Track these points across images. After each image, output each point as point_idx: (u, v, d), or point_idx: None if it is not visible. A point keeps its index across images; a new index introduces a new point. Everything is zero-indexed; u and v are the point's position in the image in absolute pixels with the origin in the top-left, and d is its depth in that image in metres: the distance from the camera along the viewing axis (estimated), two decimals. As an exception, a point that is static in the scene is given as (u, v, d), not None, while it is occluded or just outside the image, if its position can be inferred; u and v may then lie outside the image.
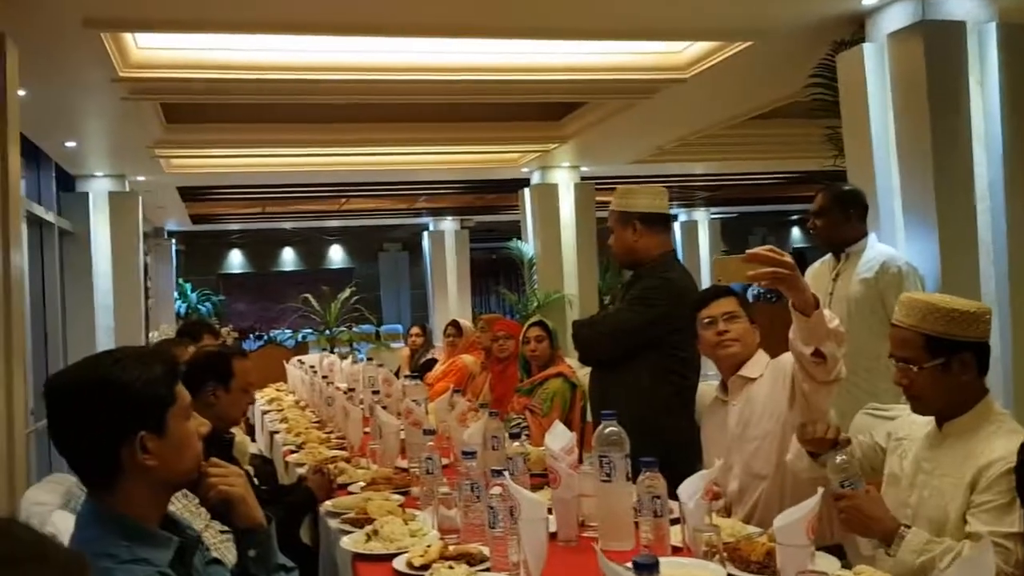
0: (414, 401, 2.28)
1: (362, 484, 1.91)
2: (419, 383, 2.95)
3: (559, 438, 1.49)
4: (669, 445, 1.68)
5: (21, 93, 2.75)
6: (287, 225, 10.05)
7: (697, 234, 9.85)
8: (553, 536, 1.37)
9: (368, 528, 1.49)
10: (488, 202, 8.08)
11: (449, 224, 9.18)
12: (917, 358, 1.31)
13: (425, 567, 1.28)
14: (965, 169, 2.62)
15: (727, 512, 1.64)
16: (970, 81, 2.62)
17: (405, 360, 4.85)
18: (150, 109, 4.03)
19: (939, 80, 2.61)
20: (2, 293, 2.43)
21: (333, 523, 1.64)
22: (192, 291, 9.44)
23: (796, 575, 1.04)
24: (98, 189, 5.36)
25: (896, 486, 1.39)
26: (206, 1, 2.74)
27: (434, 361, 4.30)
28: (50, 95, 3.56)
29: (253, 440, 3.48)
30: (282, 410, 3.50)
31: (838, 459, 1.30)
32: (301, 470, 2.18)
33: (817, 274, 2.41)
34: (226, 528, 1.26)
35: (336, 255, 11.57)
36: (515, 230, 6.66)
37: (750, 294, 5.19)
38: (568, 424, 2.55)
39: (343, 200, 7.75)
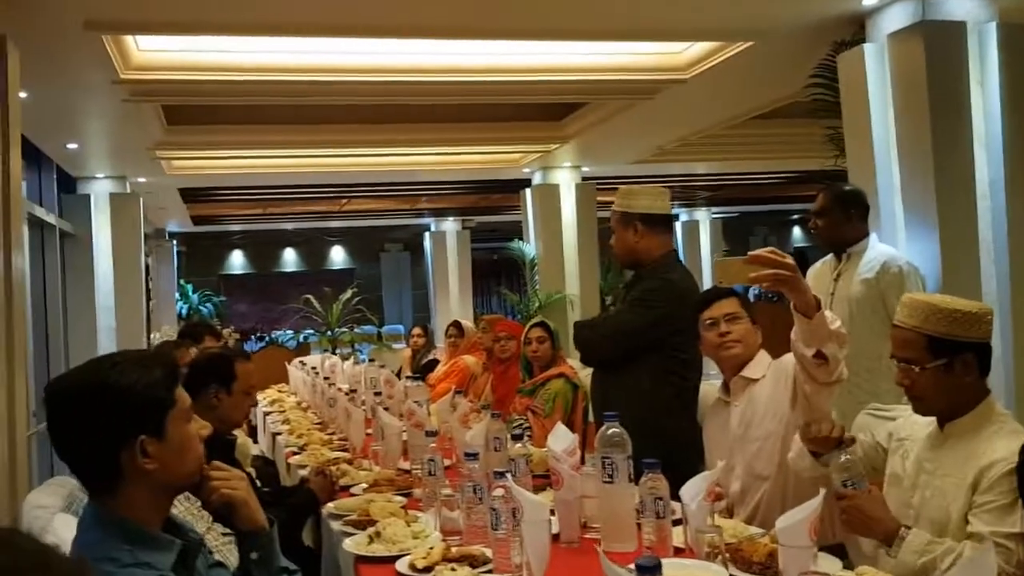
0: (416, 402, 2.28)
1: (364, 486, 1.92)
2: (421, 384, 2.95)
3: (561, 440, 1.49)
4: (671, 446, 1.68)
5: (22, 95, 2.75)
6: (288, 226, 10.06)
7: (698, 234, 9.86)
8: (555, 537, 1.37)
9: (370, 530, 1.49)
10: (489, 202, 8.08)
11: (450, 224, 9.19)
12: (919, 359, 1.31)
13: (428, 569, 1.29)
14: (966, 169, 2.62)
15: (729, 513, 1.64)
16: (971, 81, 2.62)
17: (407, 361, 4.85)
18: (151, 111, 4.03)
19: (940, 80, 2.61)
20: (4, 295, 2.43)
21: (335, 525, 1.64)
22: (193, 292, 9.46)
23: (798, 576, 1.04)
24: (99, 191, 5.37)
25: (898, 486, 1.39)
26: (207, 3, 2.75)
27: (436, 362, 4.30)
28: (51, 97, 3.56)
29: (255, 441, 3.49)
30: (284, 411, 3.50)
31: (842, 458, 1.30)
32: (303, 472, 2.18)
33: (818, 274, 2.41)
34: (228, 531, 1.26)
35: (337, 256, 11.58)
36: (516, 230, 6.66)
37: (751, 294, 5.20)
38: (570, 425, 2.55)
39: (344, 201, 7.75)
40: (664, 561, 0.96)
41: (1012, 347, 2.54)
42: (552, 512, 1.39)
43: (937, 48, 2.62)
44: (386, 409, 2.40)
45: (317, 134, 4.83)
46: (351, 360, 4.35)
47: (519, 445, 1.64)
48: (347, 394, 3.01)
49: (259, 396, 3.57)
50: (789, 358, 1.56)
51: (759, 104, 4.35)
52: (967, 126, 2.62)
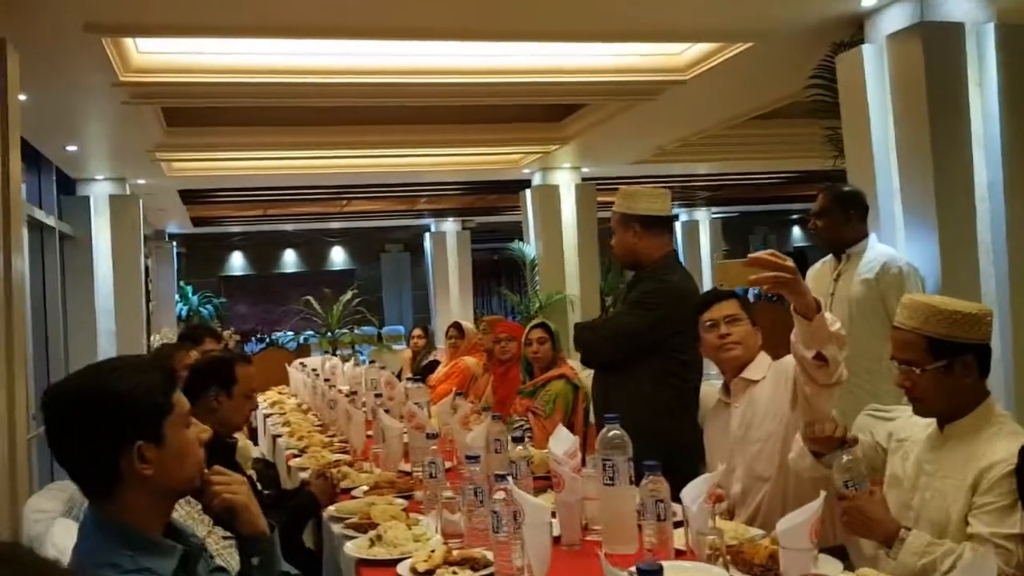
0: (416, 404, 2.28)
1: (365, 488, 1.92)
2: (422, 386, 2.95)
3: (562, 442, 1.49)
4: (671, 447, 1.69)
5: (22, 97, 2.75)
6: (288, 227, 10.06)
7: (698, 233, 9.86)
8: (557, 540, 1.38)
9: (372, 533, 1.49)
10: (489, 203, 8.08)
11: (450, 225, 9.19)
12: (919, 360, 1.31)
13: (429, 572, 1.29)
14: (965, 170, 2.62)
15: (730, 514, 1.64)
16: (969, 82, 2.62)
17: (407, 362, 4.85)
18: (151, 113, 4.03)
19: (938, 81, 2.61)
20: (3, 297, 2.43)
21: (336, 528, 1.64)
22: (193, 294, 9.45)
23: (799, 579, 1.05)
24: (99, 192, 5.36)
25: (898, 488, 1.39)
26: (206, 6, 2.75)
27: (436, 363, 4.30)
28: (51, 99, 3.56)
29: (255, 444, 3.49)
30: (284, 413, 3.50)
31: (844, 458, 1.30)
32: (304, 474, 2.18)
33: (818, 275, 2.41)
34: (229, 534, 1.26)
35: (338, 256, 11.58)
36: (516, 231, 6.67)
37: (751, 294, 5.20)
38: (571, 426, 2.55)
39: (344, 202, 7.75)
40: (665, 564, 0.96)
41: (1011, 348, 2.54)
42: (553, 514, 1.39)
43: (936, 49, 2.62)
44: (387, 411, 2.40)
45: (317, 136, 4.83)
46: (351, 362, 4.34)
47: (520, 447, 1.64)
48: (347, 396, 3.01)
49: (259, 398, 3.57)
50: (789, 359, 1.56)
51: (759, 105, 4.35)
52: (966, 127, 2.63)
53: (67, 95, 3.57)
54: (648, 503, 1.29)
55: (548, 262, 5.98)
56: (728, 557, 1.22)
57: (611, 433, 1.39)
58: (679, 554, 1.31)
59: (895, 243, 2.70)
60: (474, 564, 1.30)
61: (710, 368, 1.92)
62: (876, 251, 2.32)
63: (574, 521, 1.44)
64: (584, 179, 6.13)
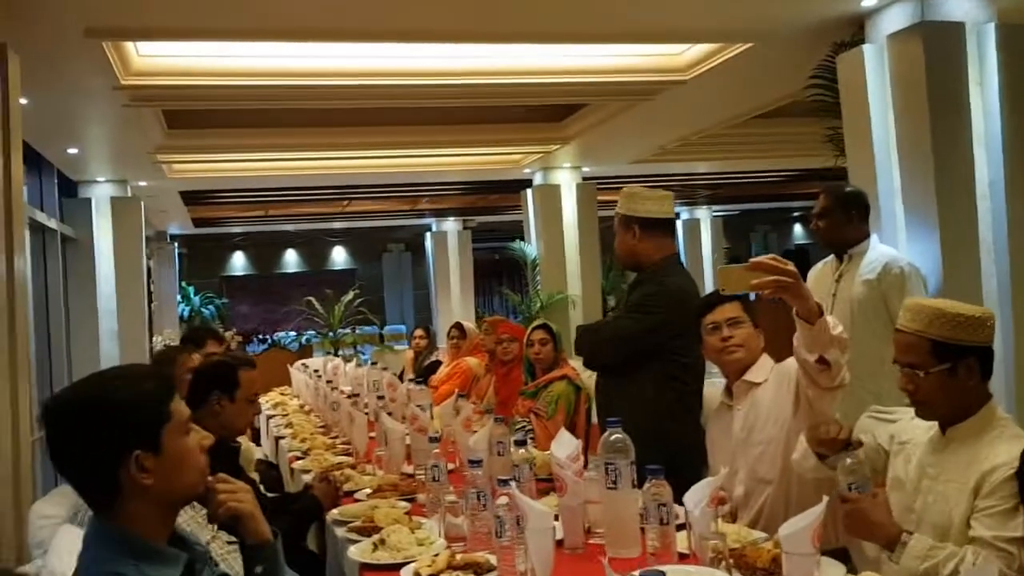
0: (419, 407, 2.28)
1: (368, 491, 1.92)
2: (424, 388, 2.95)
3: (565, 446, 1.49)
4: (674, 449, 1.69)
5: (23, 101, 2.76)
6: (290, 227, 10.06)
7: (699, 232, 9.86)
8: (560, 544, 1.38)
9: (375, 537, 1.49)
10: (490, 202, 8.08)
11: (452, 225, 9.19)
12: (923, 363, 1.31)
13: (432, 576, 1.29)
14: (966, 169, 2.62)
15: (732, 517, 1.64)
16: (970, 81, 2.62)
17: (409, 362, 4.85)
18: (151, 115, 4.04)
19: (939, 81, 2.61)
20: (6, 300, 2.44)
21: (340, 531, 1.64)
22: (195, 294, 9.46)
23: (801, 583, 1.05)
24: (100, 194, 5.37)
25: (901, 490, 1.39)
26: (206, 10, 2.75)
27: (438, 363, 4.31)
28: (52, 103, 3.57)
29: (258, 444, 3.49)
30: (287, 415, 3.51)
31: (848, 461, 1.30)
32: (307, 477, 2.18)
33: (820, 275, 2.41)
34: (233, 539, 1.27)
35: (339, 256, 11.59)
36: (518, 230, 6.67)
37: (752, 294, 5.19)
38: (573, 426, 2.56)
39: (346, 202, 7.76)
40: (668, 568, 0.97)
41: (1013, 348, 2.54)
42: (556, 518, 1.39)
43: (936, 49, 2.62)
44: (389, 413, 2.40)
45: (318, 137, 4.83)
46: (353, 362, 4.35)
47: (522, 451, 1.64)
48: (349, 397, 3.01)
49: (262, 399, 3.57)
50: (791, 362, 1.56)
51: (759, 104, 4.35)
52: (967, 126, 2.63)
53: (68, 98, 3.58)
54: (651, 507, 1.30)
55: (549, 262, 5.98)
56: (731, 560, 1.22)
57: (613, 437, 1.40)
58: (682, 557, 1.31)
59: (896, 243, 2.70)
60: (477, 568, 1.30)
61: (711, 367, 1.92)
62: (878, 252, 2.32)
63: (577, 525, 1.44)
64: (585, 178, 6.13)
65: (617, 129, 4.76)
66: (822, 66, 3.13)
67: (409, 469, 2.10)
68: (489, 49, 3.58)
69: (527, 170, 6.11)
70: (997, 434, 1.30)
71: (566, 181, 6.06)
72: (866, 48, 2.86)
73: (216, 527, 1.34)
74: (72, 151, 4.64)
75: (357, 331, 6.98)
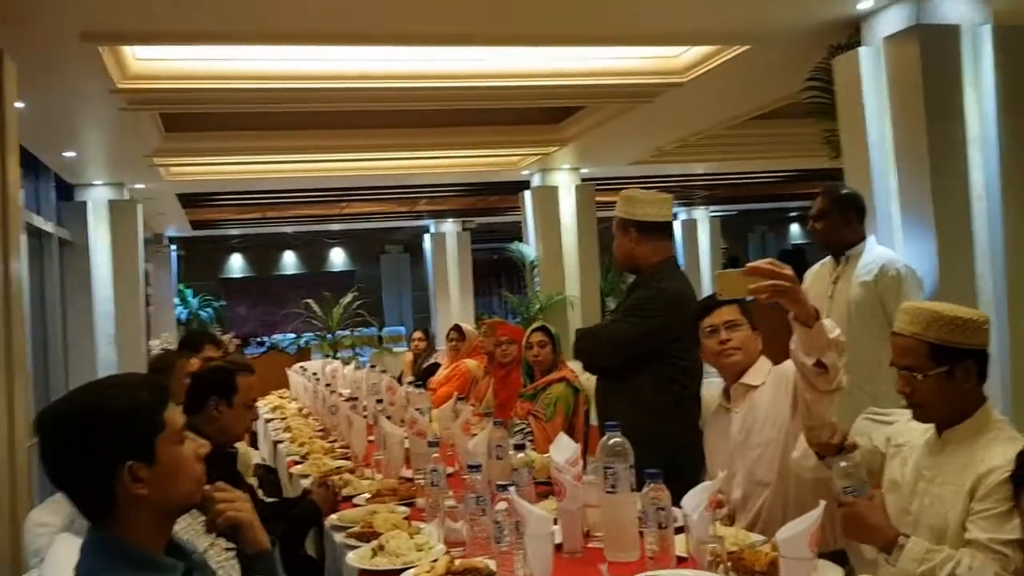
0: (418, 410, 2.28)
1: (367, 496, 1.92)
2: (423, 391, 2.96)
3: (563, 450, 1.49)
4: (672, 453, 1.69)
5: (19, 105, 2.75)
6: (288, 229, 10.05)
7: (697, 232, 9.88)
8: (559, 548, 1.38)
9: (374, 543, 1.49)
10: (489, 203, 8.08)
11: (450, 226, 9.19)
12: (921, 366, 1.31)
13: (432, 582, 1.29)
14: (961, 171, 2.63)
15: (731, 519, 1.64)
16: (965, 83, 2.63)
17: (408, 365, 4.86)
18: (149, 119, 4.03)
19: (935, 83, 2.62)
20: (2, 304, 2.43)
21: (338, 537, 1.64)
22: (193, 296, 9.45)
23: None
24: (97, 198, 5.36)
25: (897, 493, 1.39)
26: (203, 13, 2.74)
27: (437, 365, 4.31)
28: (49, 107, 3.56)
29: (256, 448, 3.49)
30: (285, 418, 3.50)
31: (842, 464, 1.30)
32: (305, 482, 2.18)
33: (817, 276, 2.42)
34: (231, 545, 1.27)
35: (337, 258, 11.58)
36: (516, 231, 6.67)
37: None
38: (571, 428, 2.56)
39: (344, 204, 7.75)
40: (667, 572, 0.97)
41: (1008, 349, 2.55)
42: (555, 521, 1.40)
43: (932, 51, 2.63)
44: (388, 417, 2.40)
45: (316, 139, 4.83)
46: (352, 365, 4.35)
47: (521, 455, 1.64)
48: (348, 401, 3.01)
49: (260, 402, 3.57)
50: (789, 365, 1.57)
51: (756, 106, 4.36)
52: (962, 128, 2.64)
53: (65, 102, 3.57)
54: (649, 511, 1.30)
55: (548, 263, 5.99)
56: (729, 564, 1.22)
57: (612, 441, 1.40)
58: (680, 561, 1.31)
59: (893, 244, 2.71)
60: (476, 574, 1.30)
61: (708, 367, 1.92)
62: (874, 253, 2.32)
63: (576, 529, 1.44)
64: (583, 180, 6.13)
65: (615, 131, 4.76)
66: (819, 68, 3.14)
67: (408, 473, 2.10)
68: (487, 52, 3.59)
69: (525, 172, 6.12)
70: (992, 437, 1.30)
71: (564, 183, 6.06)
72: (862, 51, 2.87)
73: (215, 534, 1.34)
74: (69, 155, 4.62)
75: (355, 333, 6.98)
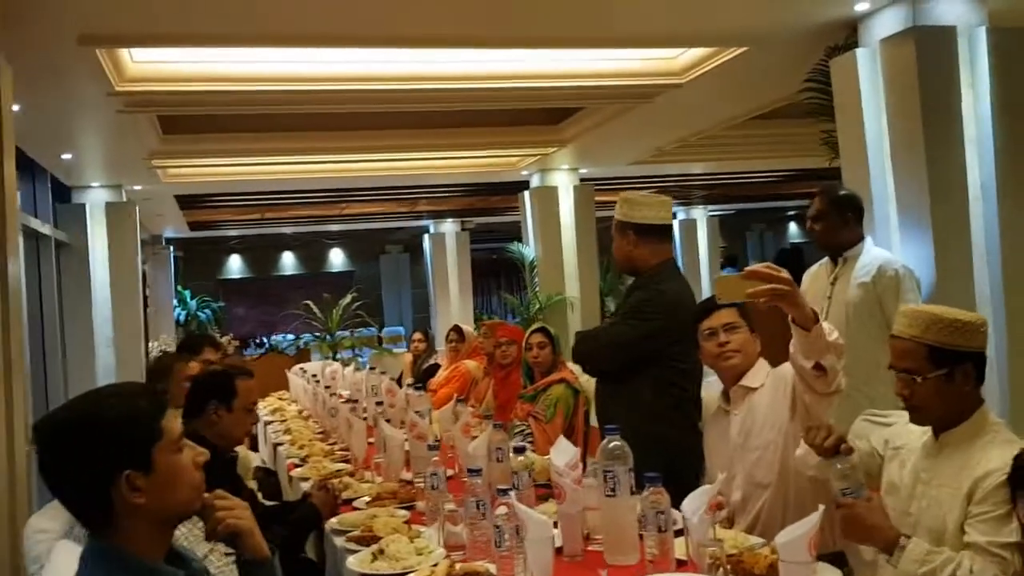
0: (417, 413, 2.28)
1: (367, 499, 1.92)
2: (423, 394, 2.95)
3: (563, 453, 1.50)
4: (672, 456, 1.70)
5: (15, 108, 2.75)
6: (287, 229, 10.04)
7: (696, 231, 9.90)
8: (559, 551, 1.38)
9: (374, 547, 1.49)
10: (488, 204, 8.08)
11: (450, 226, 9.19)
12: (920, 369, 1.32)
13: (432, 586, 1.29)
14: (958, 171, 2.64)
15: (730, 522, 1.65)
16: (962, 84, 2.64)
17: (408, 366, 4.85)
18: (146, 121, 4.02)
19: (931, 84, 2.63)
20: (0, 307, 2.42)
21: (339, 541, 1.64)
22: (192, 298, 9.43)
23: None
24: (95, 200, 5.35)
25: (895, 495, 1.40)
26: (201, 16, 2.74)
27: (437, 366, 4.31)
28: (45, 109, 3.55)
29: (255, 451, 3.49)
30: (285, 420, 3.50)
31: (838, 466, 1.31)
32: (305, 485, 2.18)
33: (815, 277, 2.42)
34: (231, 551, 1.27)
35: (337, 258, 11.57)
36: (515, 230, 6.67)
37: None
38: (571, 429, 2.57)
39: (343, 205, 7.75)
40: (666, 577, 0.97)
41: (1006, 350, 2.56)
42: (555, 524, 1.40)
43: (928, 52, 2.64)
44: (388, 420, 2.40)
45: (316, 140, 4.83)
46: (352, 366, 4.35)
47: (521, 458, 1.65)
48: (348, 403, 3.01)
49: (260, 404, 3.56)
50: (788, 367, 1.57)
51: (755, 107, 4.37)
52: (959, 129, 2.65)
53: (62, 105, 3.56)
54: (649, 515, 1.30)
55: (547, 263, 5.99)
56: (728, 567, 1.22)
57: (612, 444, 1.40)
58: (680, 564, 1.32)
59: (890, 245, 2.72)
60: (477, 578, 1.30)
61: (707, 369, 1.92)
62: (872, 254, 2.33)
63: (576, 532, 1.45)
64: (582, 180, 6.13)
65: (614, 132, 4.77)
66: (816, 70, 3.15)
67: (408, 476, 2.10)
68: (486, 54, 3.59)
69: (524, 172, 6.12)
70: (990, 439, 1.31)
71: (563, 183, 6.06)
72: (859, 52, 2.88)
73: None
74: (66, 157, 4.62)
75: (355, 334, 6.98)
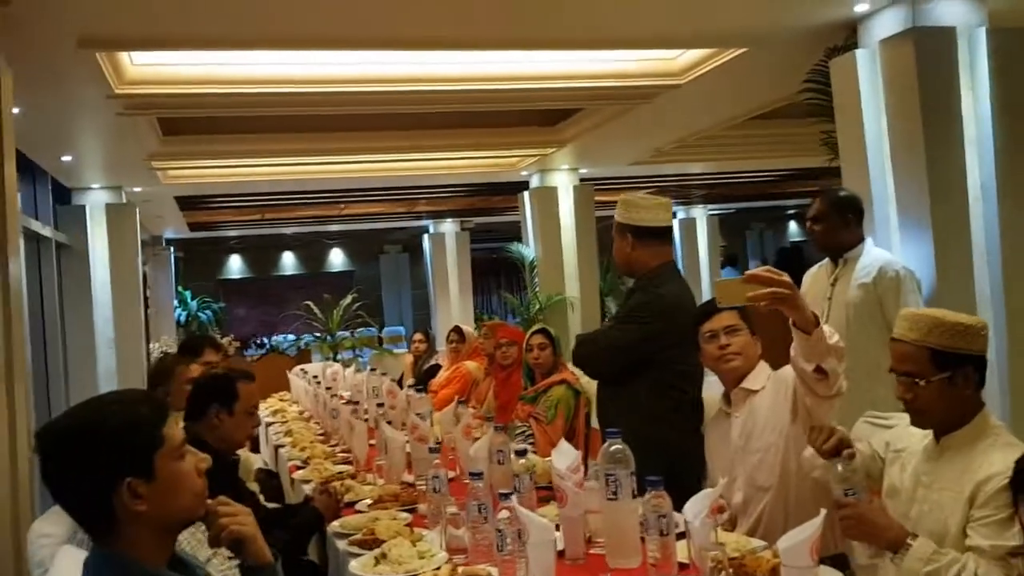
0: (419, 415, 2.28)
1: (369, 502, 1.92)
2: (424, 396, 2.95)
3: (564, 456, 1.50)
4: (672, 459, 1.70)
5: (16, 110, 2.75)
6: (287, 230, 10.04)
7: (695, 231, 9.90)
8: (560, 554, 1.39)
9: (376, 551, 1.50)
10: (488, 204, 8.08)
11: (449, 226, 9.19)
12: (923, 372, 1.32)
13: (434, 591, 1.29)
14: (958, 172, 2.64)
15: (732, 524, 1.65)
16: (961, 85, 2.64)
17: (408, 367, 4.85)
18: (146, 123, 4.02)
19: (931, 85, 2.63)
20: (1, 310, 2.43)
21: (341, 544, 1.65)
22: (192, 299, 9.43)
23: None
24: (95, 201, 5.35)
25: (896, 499, 1.40)
26: (200, 19, 2.74)
27: (438, 367, 4.31)
28: (46, 112, 3.56)
29: (257, 452, 3.49)
30: (286, 422, 3.50)
31: (839, 468, 1.31)
32: (307, 488, 2.18)
33: (815, 279, 2.42)
34: (233, 554, 1.27)
35: (336, 258, 11.57)
36: (515, 230, 6.67)
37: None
38: (572, 431, 2.57)
39: (343, 205, 7.75)
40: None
41: (1006, 351, 2.56)
42: (557, 527, 1.40)
43: (928, 53, 2.64)
44: (389, 422, 2.40)
45: (315, 142, 4.83)
46: (352, 367, 4.35)
47: (523, 460, 1.65)
48: (349, 404, 3.00)
49: (261, 405, 3.55)
50: (788, 369, 1.57)
51: (754, 107, 4.37)
52: (958, 129, 2.65)
53: (62, 107, 3.56)
54: (651, 518, 1.31)
55: (547, 264, 5.99)
56: (730, 570, 1.23)
57: (613, 447, 1.40)
58: (682, 567, 1.32)
59: (890, 245, 2.72)
60: (479, 582, 1.31)
61: (708, 372, 1.92)
62: (872, 255, 2.33)
63: (578, 535, 1.45)
64: (582, 180, 6.13)
65: (613, 132, 4.77)
66: (816, 70, 3.15)
67: (410, 478, 2.10)
68: (485, 56, 3.59)
69: (524, 172, 6.12)
70: (991, 442, 1.31)
71: (563, 183, 6.06)
72: (859, 53, 2.88)
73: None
74: (66, 159, 4.62)
75: (355, 334, 6.98)
